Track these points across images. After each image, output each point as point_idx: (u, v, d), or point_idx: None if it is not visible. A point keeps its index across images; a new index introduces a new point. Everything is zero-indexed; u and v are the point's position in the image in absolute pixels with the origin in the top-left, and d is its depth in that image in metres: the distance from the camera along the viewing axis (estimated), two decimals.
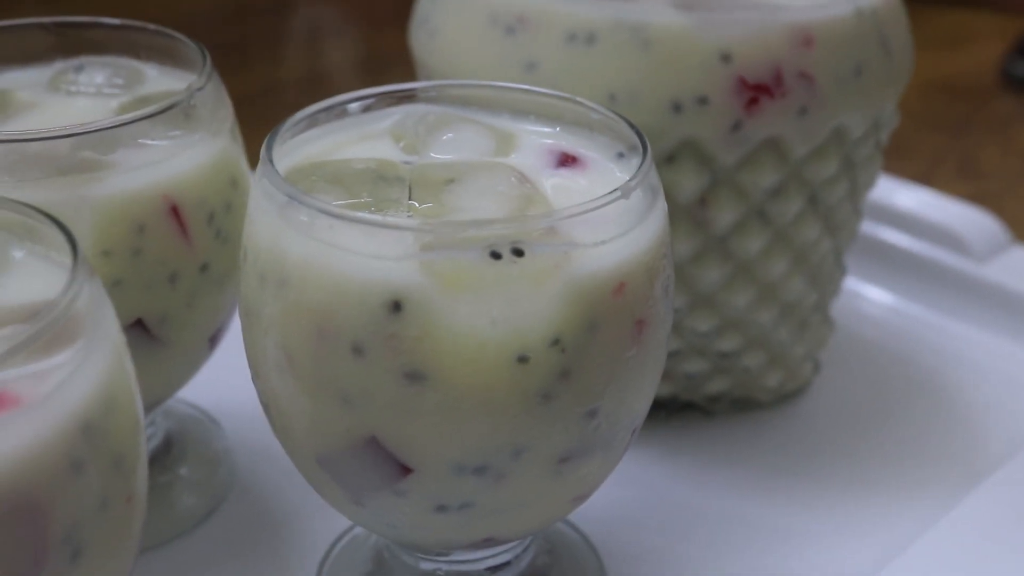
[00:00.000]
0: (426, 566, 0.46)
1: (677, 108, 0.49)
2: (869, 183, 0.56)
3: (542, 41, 0.50)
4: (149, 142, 0.44)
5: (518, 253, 0.37)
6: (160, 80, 0.50)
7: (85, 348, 0.33)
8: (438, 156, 0.44)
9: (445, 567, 0.46)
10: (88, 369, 0.33)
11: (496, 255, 0.37)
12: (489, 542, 0.43)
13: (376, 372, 0.38)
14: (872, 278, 0.69)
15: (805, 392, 0.61)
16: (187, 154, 0.45)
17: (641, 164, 0.41)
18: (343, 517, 0.51)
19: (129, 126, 0.43)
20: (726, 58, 0.49)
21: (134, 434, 0.35)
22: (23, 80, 0.50)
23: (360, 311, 0.37)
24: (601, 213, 0.38)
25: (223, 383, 0.55)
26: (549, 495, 0.41)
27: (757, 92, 0.49)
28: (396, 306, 0.37)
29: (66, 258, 0.36)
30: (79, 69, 0.50)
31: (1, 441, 0.31)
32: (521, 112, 0.46)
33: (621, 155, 0.44)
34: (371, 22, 1.30)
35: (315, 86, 1.16)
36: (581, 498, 0.43)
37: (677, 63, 0.49)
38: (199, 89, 0.46)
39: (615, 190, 0.39)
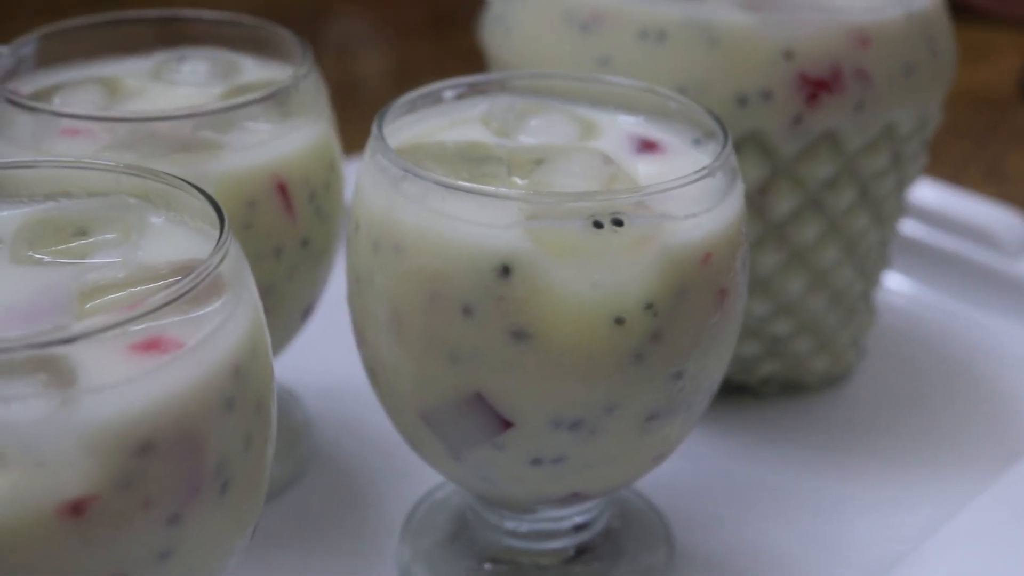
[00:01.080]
0: (511, 525, 0.50)
1: (742, 102, 0.52)
2: (914, 178, 0.60)
3: (615, 38, 0.54)
4: (259, 125, 0.48)
5: (618, 223, 0.41)
6: (256, 71, 0.54)
7: (232, 301, 0.36)
8: (527, 140, 0.47)
9: (529, 526, 0.49)
10: (236, 319, 0.36)
11: (598, 224, 0.40)
12: (575, 497, 0.46)
13: (484, 331, 0.41)
14: (908, 271, 0.73)
15: (849, 377, 0.64)
16: (292, 136, 0.49)
17: (724, 146, 0.44)
18: (423, 484, 0.54)
19: (243, 108, 0.47)
20: (789, 55, 0.52)
21: (270, 381, 0.38)
22: (128, 69, 0.54)
23: (471, 275, 0.41)
24: (691, 189, 0.42)
25: (301, 359, 0.58)
26: (634, 452, 0.45)
27: (817, 88, 0.53)
28: (505, 270, 0.40)
29: (201, 223, 0.40)
30: (181, 59, 0.54)
31: (167, 380, 0.34)
32: (600, 102, 0.49)
33: (697, 141, 0.47)
34: (402, 33, 1.34)
35: (347, 94, 1.19)
36: (660, 457, 0.46)
37: (743, 59, 0.52)
38: (304, 76, 0.49)
39: (703, 168, 0.42)
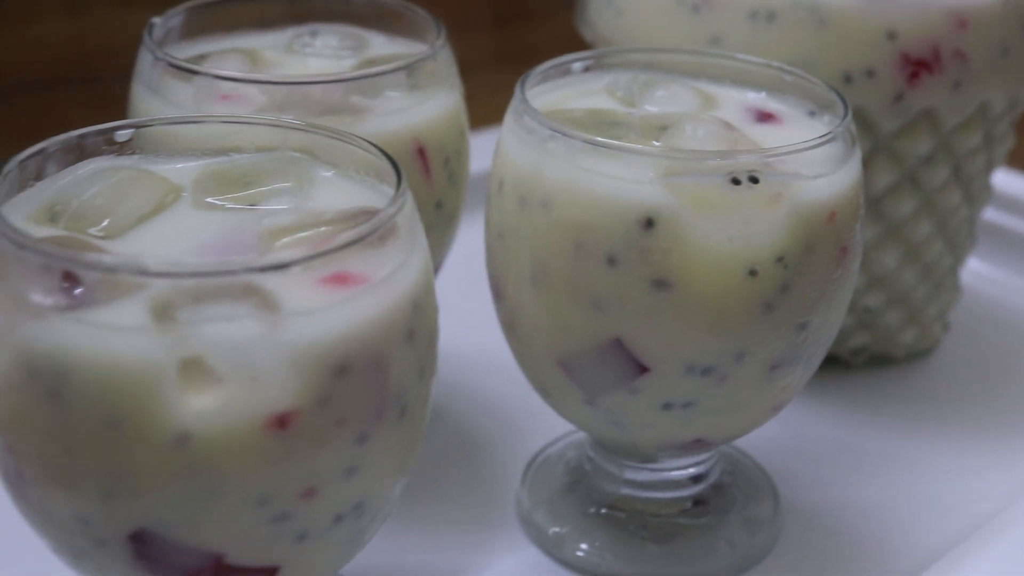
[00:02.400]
0: (631, 475, 0.52)
1: (847, 80, 0.55)
2: (1001, 158, 0.63)
3: (725, 18, 0.57)
4: (401, 92, 0.51)
5: (754, 180, 0.43)
6: (384, 46, 0.57)
7: (408, 244, 0.39)
8: (651, 109, 0.50)
9: (649, 476, 0.52)
10: (412, 260, 0.39)
11: (736, 181, 0.43)
12: (698, 444, 0.49)
13: (627, 280, 0.44)
14: (990, 256, 0.75)
15: (935, 350, 0.67)
16: (430, 104, 0.52)
17: (844, 115, 0.47)
18: (538, 441, 0.57)
19: (389, 75, 0.50)
20: (892, 36, 0.55)
21: (437, 319, 0.41)
22: (263, 43, 0.57)
23: (616, 227, 0.44)
24: (817, 152, 0.45)
25: None
26: (757, 400, 0.47)
27: (918, 67, 0.56)
28: (649, 223, 0.43)
29: (364, 176, 0.43)
30: (314, 34, 0.57)
31: (359, 309, 0.37)
32: (716, 77, 0.52)
33: (812, 113, 0.50)
34: (460, 24, 1.37)
35: None
36: (778, 408, 0.49)
37: (849, 39, 0.55)
38: (441, 47, 0.52)
39: (829, 132, 0.45)
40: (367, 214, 0.39)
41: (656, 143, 0.46)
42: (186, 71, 0.49)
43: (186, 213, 0.41)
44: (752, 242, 0.44)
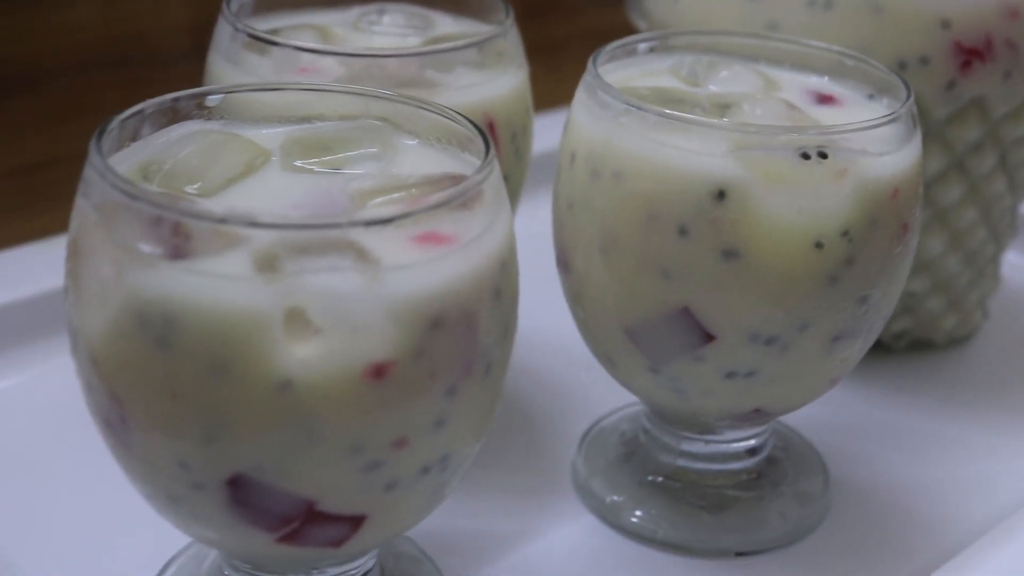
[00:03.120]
0: (687, 447, 0.54)
1: (902, 66, 0.57)
2: None
3: (782, 5, 0.58)
4: (472, 69, 0.52)
5: (823, 156, 0.45)
6: (449, 25, 0.58)
7: (494, 209, 0.41)
8: (715, 89, 0.52)
9: (705, 447, 0.54)
10: (499, 223, 0.41)
11: (806, 156, 0.45)
12: (756, 414, 0.50)
13: (697, 250, 0.45)
14: (1020, 246, 0.77)
15: (974, 337, 0.68)
16: (500, 81, 0.53)
17: (907, 96, 0.48)
18: (589, 416, 0.59)
19: (462, 51, 0.51)
20: (946, 24, 0.57)
21: (518, 281, 0.43)
22: (330, 20, 0.58)
23: (689, 198, 0.45)
24: (881, 131, 0.46)
25: None
26: (816, 371, 0.49)
27: (971, 56, 0.57)
28: (720, 194, 0.45)
29: (446, 144, 0.44)
30: (381, 12, 0.58)
31: (452, 267, 0.38)
32: (776, 60, 0.54)
33: (871, 96, 0.52)
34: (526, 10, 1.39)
35: None
36: (835, 380, 0.50)
37: (903, 27, 0.57)
38: (510, 27, 0.54)
39: (893, 112, 0.47)
40: (454, 179, 0.41)
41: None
42: (267, 42, 0.51)
43: (275, 175, 0.43)
44: (819, 216, 0.45)
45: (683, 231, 0.45)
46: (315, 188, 0.42)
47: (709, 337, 0.47)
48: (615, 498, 0.54)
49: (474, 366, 0.40)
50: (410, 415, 0.38)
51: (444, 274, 0.38)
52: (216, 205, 0.40)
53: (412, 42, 0.56)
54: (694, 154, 0.45)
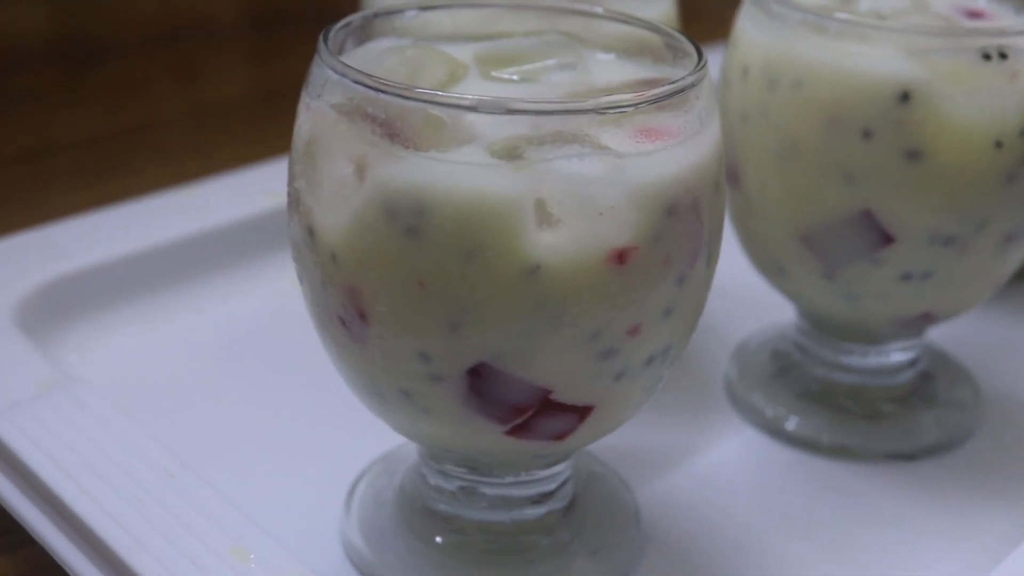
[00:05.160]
0: (845, 359, 0.55)
1: None
2: None
3: None
4: None
5: (1003, 56, 0.46)
6: None
7: (710, 108, 0.42)
8: (870, 4, 0.53)
9: (861, 361, 0.55)
10: (713, 121, 0.42)
11: (987, 56, 0.46)
12: (924, 319, 0.52)
13: (880, 152, 0.47)
14: None
15: None
16: (657, 6, 0.54)
17: None
18: (737, 334, 0.60)
19: None
20: None
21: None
22: None
23: (872, 100, 0.46)
24: None
25: None
26: (987, 272, 0.50)
27: None
28: (904, 96, 0.46)
29: (639, 56, 0.45)
30: None
31: (682, 157, 0.39)
32: None
33: (1018, 9, 0.53)
34: None
35: None
36: (998, 284, 0.52)
37: None
38: None
39: None
40: (659, 82, 0.42)
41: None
42: None
43: (477, 85, 0.44)
44: (999, 115, 0.46)
45: (866, 134, 0.47)
46: (527, 87, 0.43)
47: (889, 239, 0.48)
48: (776, 410, 0.55)
49: (699, 255, 0.41)
50: (646, 301, 0.39)
51: (677, 163, 0.39)
52: (435, 96, 0.41)
53: None
54: (876, 58, 0.46)
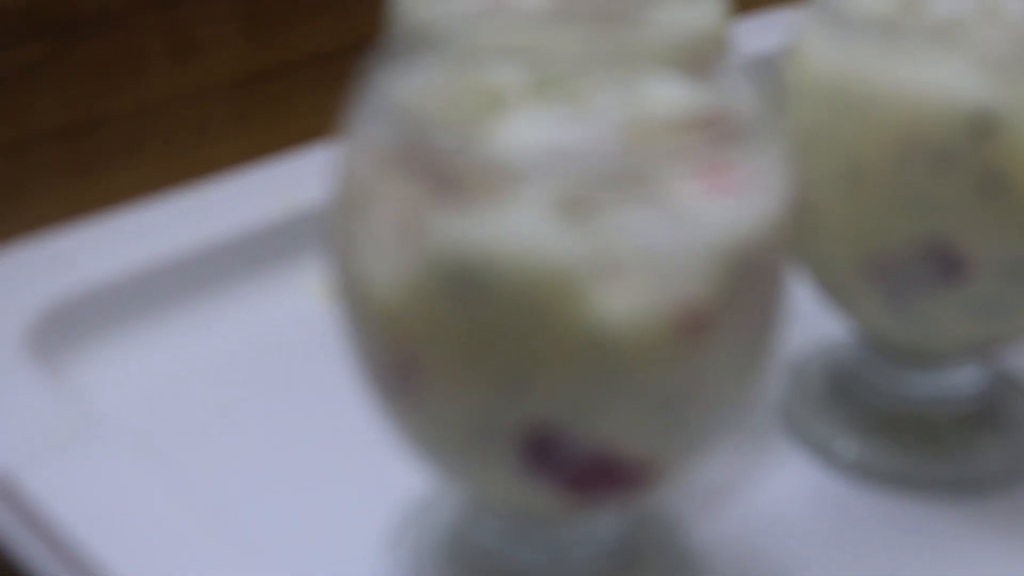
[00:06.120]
0: (906, 383, 0.52)
1: None
2: None
3: None
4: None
5: None
6: None
7: (778, 166, 0.39)
8: (936, 11, 0.50)
9: (922, 385, 0.52)
10: (779, 159, 0.39)
11: None
12: (991, 346, 0.49)
13: (953, 179, 0.44)
14: None
15: None
16: (702, 8, 0.51)
17: None
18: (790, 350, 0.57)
19: None
20: None
21: None
22: None
23: (946, 125, 0.43)
24: None
25: None
26: None
27: None
28: (982, 121, 0.43)
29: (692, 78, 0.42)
30: None
31: (749, 209, 0.36)
32: None
33: None
34: None
35: None
36: None
37: None
38: None
39: None
40: (723, 115, 0.39)
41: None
42: None
43: (528, 112, 0.40)
44: None
45: (940, 160, 0.44)
46: (582, 121, 0.40)
47: (960, 270, 0.45)
48: (833, 437, 0.53)
49: (773, 312, 0.38)
50: (716, 365, 0.37)
51: (751, 215, 0.36)
52: (491, 144, 0.38)
53: None
54: (950, 79, 0.43)
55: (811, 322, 0.56)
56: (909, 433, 0.52)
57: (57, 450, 0.46)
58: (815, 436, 0.53)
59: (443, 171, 0.35)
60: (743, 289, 0.36)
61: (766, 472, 0.52)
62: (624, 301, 0.35)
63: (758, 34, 0.78)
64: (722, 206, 0.36)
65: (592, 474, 0.38)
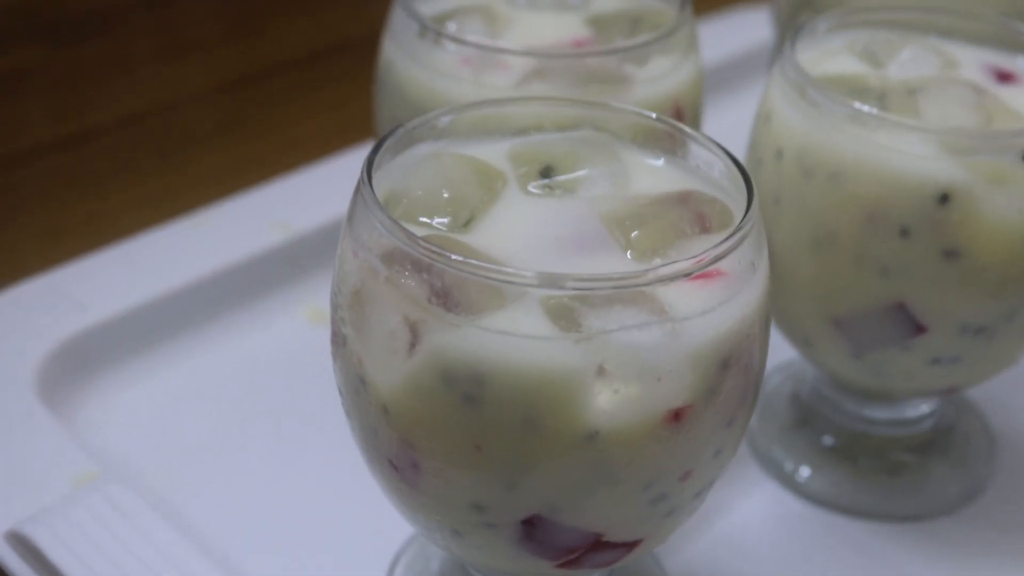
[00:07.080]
0: (868, 413, 0.56)
1: None
2: None
3: None
4: (662, 57, 0.52)
5: None
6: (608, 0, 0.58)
7: (759, 241, 0.41)
8: (896, 71, 0.52)
9: (884, 414, 0.56)
10: (761, 264, 0.41)
11: None
12: (949, 391, 0.52)
13: (918, 250, 0.47)
14: None
15: None
16: (685, 68, 0.53)
17: None
18: None
19: (659, 42, 0.51)
20: None
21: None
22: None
23: (911, 200, 0.46)
24: None
25: None
26: (1013, 352, 0.51)
27: None
28: (944, 197, 0.46)
29: (672, 155, 0.44)
30: None
31: (735, 306, 0.39)
32: (948, 34, 0.54)
33: None
34: None
35: None
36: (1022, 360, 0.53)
37: None
38: (689, 11, 0.54)
39: None
40: (693, 196, 0.41)
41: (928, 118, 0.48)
42: (459, 42, 0.50)
43: (518, 201, 0.43)
44: None
45: (904, 232, 0.47)
46: (566, 216, 0.42)
47: (920, 329, 0.48)
48: (796, 465, 0.56)
49: (749, 395, 0.41)
50: (696, 450, 0.40)
51: (732, 317, 0.39)
52: (479, 241, 0.40)
53: (572, 18, 0.56)
54: (918, 157, 0.46)
55: (778, 348, 0.59)
56: (868, 463, 0.56)
57: (68, 501, 0.49)
58: (779, 467, 0.56)
59: (443, 287, 0.37)
60: (726, 379, 0.39)
61: (736, 499, 0.55)
62: (615, 404, 0.38)
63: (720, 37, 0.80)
64: (707, 315, 0.38)
65: (581, 548, 0.41)
